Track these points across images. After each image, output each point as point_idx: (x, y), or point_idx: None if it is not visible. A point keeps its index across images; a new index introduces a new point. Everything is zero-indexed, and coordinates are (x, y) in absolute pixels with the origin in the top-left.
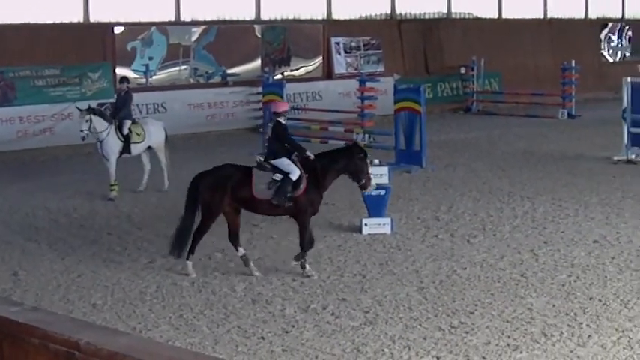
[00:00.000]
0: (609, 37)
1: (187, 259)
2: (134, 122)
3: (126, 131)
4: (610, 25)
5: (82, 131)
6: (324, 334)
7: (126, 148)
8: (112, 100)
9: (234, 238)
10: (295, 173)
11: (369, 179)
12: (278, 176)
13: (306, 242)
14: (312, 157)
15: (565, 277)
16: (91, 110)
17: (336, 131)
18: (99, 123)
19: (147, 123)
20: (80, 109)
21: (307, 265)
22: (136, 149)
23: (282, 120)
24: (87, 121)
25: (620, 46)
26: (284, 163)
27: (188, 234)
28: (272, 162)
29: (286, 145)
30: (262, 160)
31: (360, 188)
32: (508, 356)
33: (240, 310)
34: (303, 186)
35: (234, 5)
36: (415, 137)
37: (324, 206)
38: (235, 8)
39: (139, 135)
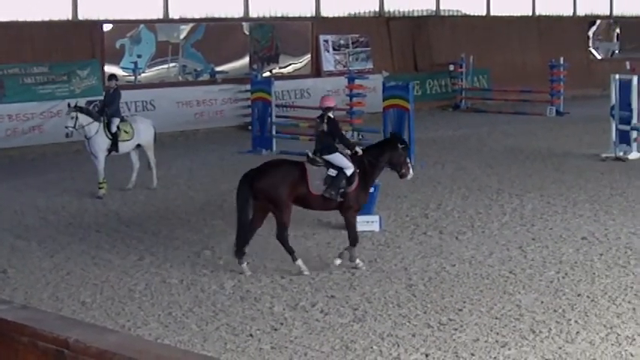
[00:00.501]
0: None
1: (237, 257)
2: (123, 120)
3: (114, 129)
4: (598, 22)
5: (66, 127)
6: (312, 332)
7: (114, 146)
8: (101, 98)
9: (251, 234)
10: (350, 168)
11: (408, 168)
12: (333, 171)
13: (354, 237)
14: (360, 152)
15: (553, 273)
16: (77, 108)
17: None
18: (84, 119)
19: (136, 121)
20: (70, 106)
21: (358, 259)
22: (124, 147)
23: (331, 115)
24: (72, 117)
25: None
26: (338, 158)
27: (247, 233)
28: (325, 157)
29: (338, 139)
30: (313, 155)
31: (399, 177)
32: (497, 353)
33: (229, 308)
34: (356, 181)
35: (222, 3)
36: (404, 134)
37: None
38: (224, 6)
39: (127, 133)
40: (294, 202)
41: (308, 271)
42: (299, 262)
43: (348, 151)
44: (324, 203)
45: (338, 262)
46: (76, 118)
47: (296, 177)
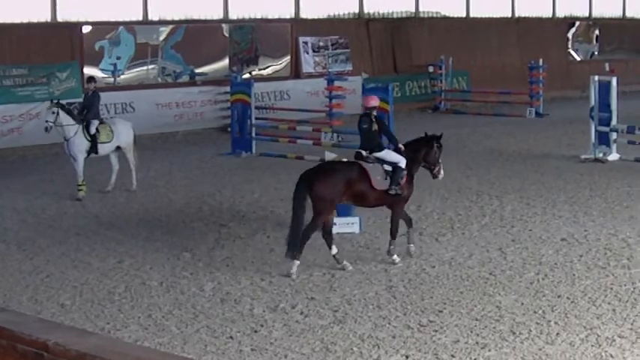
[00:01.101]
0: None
1: (296, 258)
2: (102, 122)
3: (93, 131)
4: (577, 23)
5: (46, 121)
6: (293, 334)
7: (93, 148)
8: (80, 100)
9: (328, 235)
10: (403, 162)
11: (440, 168)
12: (388, 167)
13: (395, 230)
14: (402, 148)
15: (533, 275)
16: (59, 104)
17: (304, 131)
18: (65, 118)
19: (115, 123)
20: (52, 101)
21: (395, 255)
22: (103, 149)
23: (375, 113)
24: (53, 112)
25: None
26: (390, 154)
27: (300, 232)
28: (376, 154)
29: (383, 135)
30: (367, 153)
31: (432, 177)
32: (477, 354)
33: (209, 310)
34: (406, 174)
35: (202, 5)
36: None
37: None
38: (203, 8)
39: (107, 135)
40: (348, 199)
41: (296, 274)
42: (294, 266)
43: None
44: (380, 198)
45: (395, 257)
46: (57, 113)
47: (356, 176)
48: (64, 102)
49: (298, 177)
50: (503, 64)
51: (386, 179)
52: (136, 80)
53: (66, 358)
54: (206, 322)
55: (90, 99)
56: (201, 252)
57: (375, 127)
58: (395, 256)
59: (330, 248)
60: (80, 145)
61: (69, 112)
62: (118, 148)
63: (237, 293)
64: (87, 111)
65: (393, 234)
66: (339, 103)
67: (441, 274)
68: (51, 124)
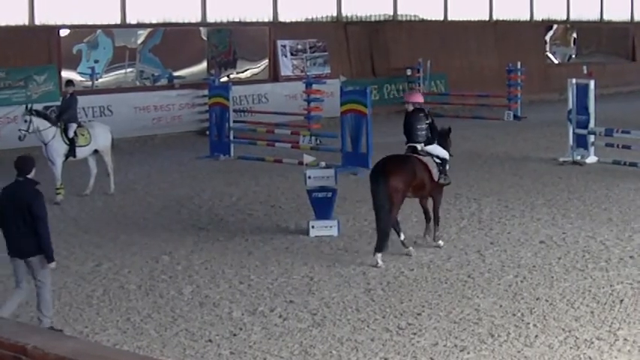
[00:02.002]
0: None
1: (381, 250)
2: (80, 125)
3: (71, 134)
4: (555, 26)
5: (19, 130)
6: (271, 337)
7: (71, 152)
8: (58, 104)
9: (396, 223)
10: (447, 155)
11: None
12: (438, 160)
13: (439, 217)
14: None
15: (512, 277)
16: (33, 112)
17: (283, 134)
18: (41, 123)
19: (93, 126)
20: (27, 108)
21: (441, 240)
22: (81, 152)
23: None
24: (25, 121)
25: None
26: (437, 148)
27: (390, 227)
28: (427, 148)
29: (427, 131)
30: (421, 147)
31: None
32: (456, 357)
33: (188, 314)
34: None
35: (179, 8)
36: (362, 139)
37: (270, 208)
38: (181, 11)
39: (85, 138)
40: (413, 191)
41: (383, 264)
42: (379, 258)
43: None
44: (431, 189)
45: (440, 242)
46: (30, 121)
47: (420, 168)
48: (40, 106)
49: (371, 177)
50: (482, 67)
51: (439, 172)
52: (114, 83)
53: None
54: (185, 325)
55: (68, 102)
56: (180, 255)
57: (429, 121)
58: (440, 241)
59: (399, 234)
60: (58, 148)
61: (44, 117)
62: (96, 151)
63: (215, 297)
64: (64, 114)
65: (438, 220)
66: (318, 106)
67: (419, 276)
68: (24, 132)
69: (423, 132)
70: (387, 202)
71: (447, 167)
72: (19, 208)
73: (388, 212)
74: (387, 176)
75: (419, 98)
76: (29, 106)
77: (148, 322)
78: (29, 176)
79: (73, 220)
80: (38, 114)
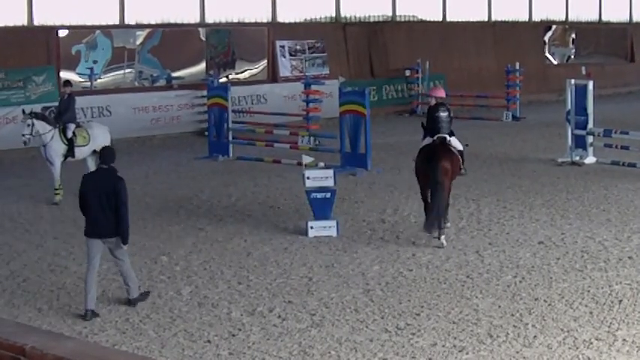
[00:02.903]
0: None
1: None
2: (78, 126)
3: (70, 135)
4: (554, 27)
5: (23, 135)
6: (270, 337)
7: (70, 152)
8: (56, 104)
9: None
10: (461, 147)
11: None
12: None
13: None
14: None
15: (510, 278)
16: (33, 115)
17: (281, 134)
18: (41, 126)
19: (92, 127)
20: (24, 113)
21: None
22: (80, 153)
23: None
24: (28, 125)
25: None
26: (456, 140)
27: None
28: (450, 140)
29: (449, 124)
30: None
31: None
32: (454, 357)
33: (187, 314)
34: None
35: (178, 8)
36: (360, 140)
37: (269, 209)
38: (180, 11)
39: (84, 138)
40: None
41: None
42: (443, 236)
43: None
44: (452, 179)
45: (448, 224)
46: (32, 124)
47: (456, 158)
48: (39, 106)
49: (424, 159)
50: (480, 67)
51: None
52: (112, 84)
53: None
54: (183, 326)
55: (66, 103)
56: (179, 256)
57: (451, 115)
58: (443, 238)
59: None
60: (57, 149)
61: (44, 118)
62: (95, 152)
63: (214, 297)
64: (63, 114)
65: (447, 208)
66: (316, 107)
67: (418, 277)
68: (28, 136)
69: (448, 124)
70: (443, 183)
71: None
72: (103, 194)
73: (444, 192)
74: (441, 160)
75: (442, 93)
76: (30, 109)
77: (147, 323)
78: (112, 165)
79: (72, 220)
80: (37, 116)
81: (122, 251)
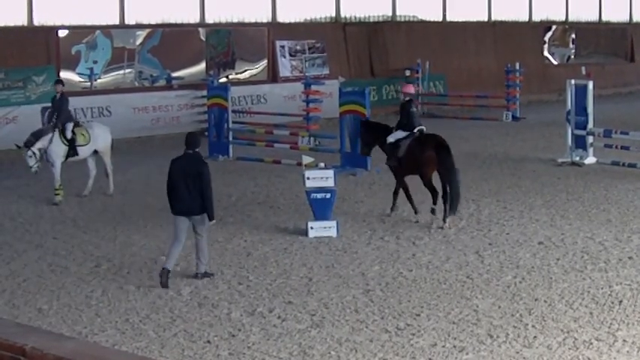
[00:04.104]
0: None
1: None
2: (77, 125)
3: (69, 134)
4: (554, 27)
5: (31, 167)
6: (270, 338)
7: (72, 151)
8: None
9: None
10: None
11: None
12: None
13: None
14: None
15: (510, 278)
16: (28, 144)
17: (281, 134)
18: (41, 143)
19: (92, 127)
20: (18, 147)
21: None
22: (82, 151)
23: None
24: (30, 156)
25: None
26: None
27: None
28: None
29: (417, 119)
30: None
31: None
32: (454, 358)
33: (187, 314)
34: None
35: (178, 8)
36: (360, 140)
37: (268, 209)
38: (180, 11)
39: (83, 137)
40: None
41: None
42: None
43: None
44: None
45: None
46: (34, 154)
47: None
48: (38, 107)
49: (436, 148)
50: (480, 67)
51: None
52: (112, 84)
53: None
54: (183, 326)
55: (58, 102)
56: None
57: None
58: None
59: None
60: (58, 151)
61: (40, 134)
62: (95, 152)
63: (214, 297)
64: (57, 115)
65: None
66: (316, 107)
67: (418, 277)
68: (35, 166)
69: (419, 118)
70: (456, 172)
71: None
72: (189, 175)
73: (458, 177)
74: (449, 148)
75: (412, 89)
76: (21, 143)
77: (147, 323)
78: (197, 150)
79: (72, 220)
80: (31, 143)
81: (204, 227)
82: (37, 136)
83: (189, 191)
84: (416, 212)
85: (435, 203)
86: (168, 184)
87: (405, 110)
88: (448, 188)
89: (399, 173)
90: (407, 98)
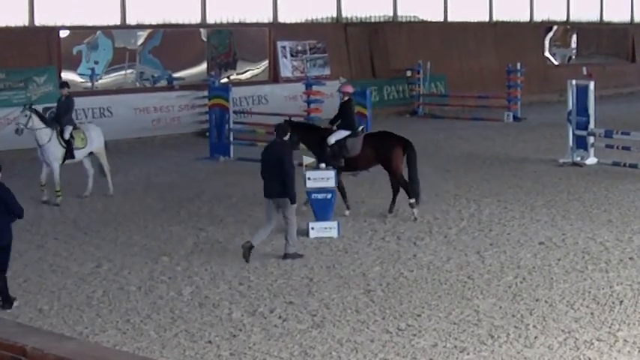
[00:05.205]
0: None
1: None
2: (75, 128)
3: (67, 136)
4: (555, 28)
5: (17, 124)
6: (271, 338)
7: (69, 154)
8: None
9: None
10: None
11: None
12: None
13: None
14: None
15: (511, 278)
16: (32, 109)
17: None
18: (37, 122)
19: (88, 129)
20: (25, 105)
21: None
22: (79, 154)
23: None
24: (25, 116)
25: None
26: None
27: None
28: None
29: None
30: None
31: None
32: (455, 358)
33: (188, 315)
34: None
35: (179, 9)
36: None
37: None
38: (181, 12)
39: (82, 140)
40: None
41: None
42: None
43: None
44: None
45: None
46: (30, 117)
47: None
48: (39, 108)
49: (403, 144)
50: (481, 68)
51: None
52: (113, 85)
53: None
54: (185, 326)
55: (65, 104)
56: (180, 256)
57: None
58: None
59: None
60: (55, 152)
61: (42, 118)
62: (90, 153)
63: (215, 297)
64: (62, 117)
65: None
66: (318, 108)
67: (419, 278)
68: (22, 126)
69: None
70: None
71: None
72: (274, 161)
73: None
74: (412, 143)
75: (351, 89)
76: (30, 104)
77: (148, 323)
78: (285, 138)
79: (73, 221)
80: (36, 112)
81: (290, 210)
82: (41, 115)
83: (273, 176)
84: (348, 208)
85: (410, 197)
86: (261, 169)
87: (346, 110)
88: (409, 179)
89: (341, 172)
90: (346, 98)
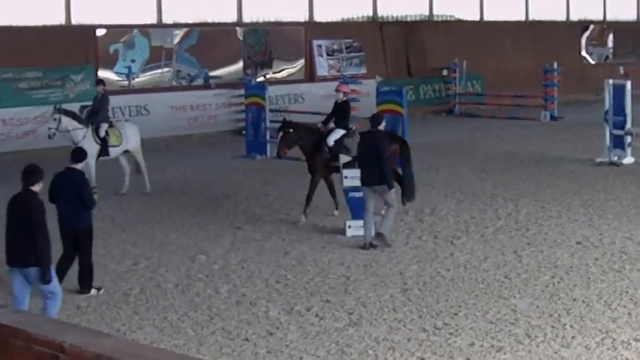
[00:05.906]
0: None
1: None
2: (111, 125)
3: (103, 134)
4: (592, 27)
5: (49, 129)
6: (308, 336)
7: (103, 151)
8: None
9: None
10: None
11: None
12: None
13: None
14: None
15: (548, 278)
16: (61, 110)
17: None
18: (69, 123)
19: (124, 127)
20: (55, 107)
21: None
22: (114, 152)
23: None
24: (55, 119)
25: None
26: None
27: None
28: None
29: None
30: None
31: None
32: (492, 357)
33: (225, 312)
34: None
35: (216, 8)
36: None
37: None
38: (217, 11)
39: (117, 137)
40: None
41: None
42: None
43: None
44: None
45: None
46: (59, 120)
47: None
48: (76, 105)
49: (399, 142)
50: (517, 67)
51: None
52: (150, 83)
53: (81, 359)
54: (221, 324)
55: (99, 102)
56: (217, 254)
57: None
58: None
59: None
60: (90, 149)
61: (74, 117)
62: (126, 151)
63: (252, 295)
64: (97, 114)
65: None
66: (354, 107)
67: (456, 277)
68: (54, 130)
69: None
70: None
71: None
72: (373, 150)
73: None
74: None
75: (347, 88)
76: (60, 105)
77: (185, 321)
78: (380, 128)
79: (110, 218)
80: (67, 113)
81: (390, 197)
82: (73, 114)
83: (371, 164)
84: (337, 208)
85: (403, 195)
86: (358, 159)
87: (343, 110)
88: (403, 177)
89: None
90: (344, 98)
